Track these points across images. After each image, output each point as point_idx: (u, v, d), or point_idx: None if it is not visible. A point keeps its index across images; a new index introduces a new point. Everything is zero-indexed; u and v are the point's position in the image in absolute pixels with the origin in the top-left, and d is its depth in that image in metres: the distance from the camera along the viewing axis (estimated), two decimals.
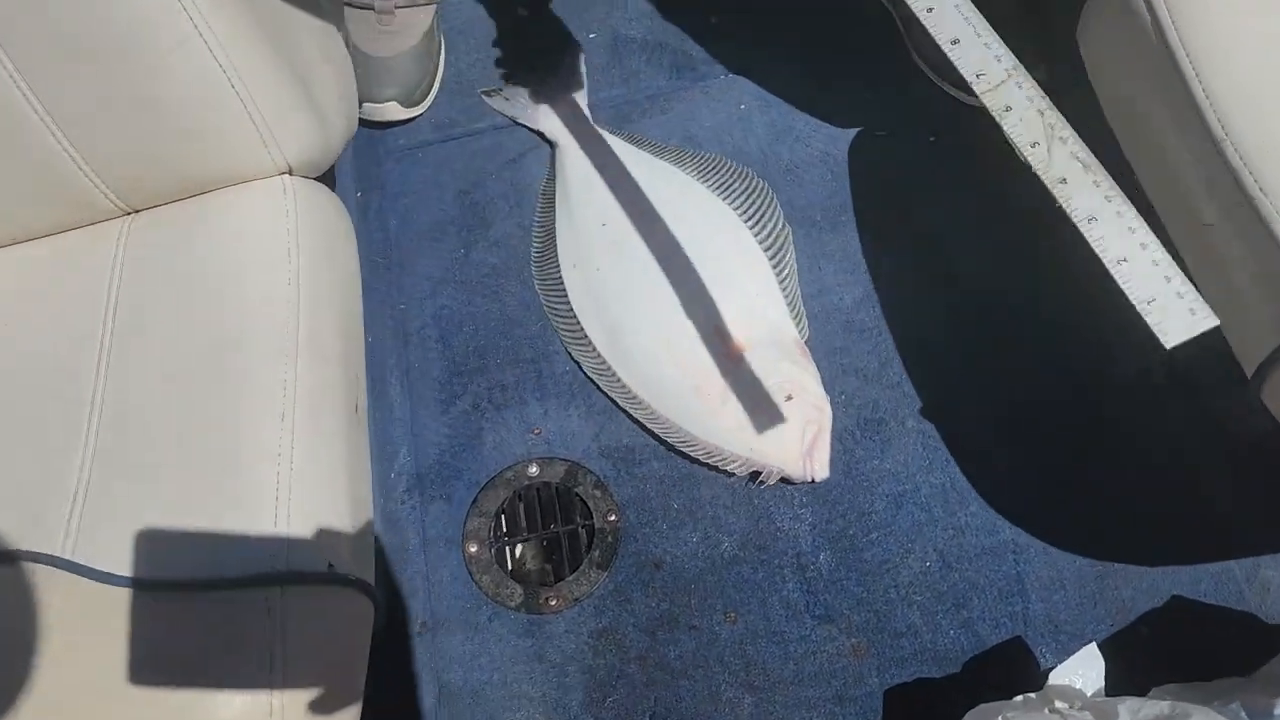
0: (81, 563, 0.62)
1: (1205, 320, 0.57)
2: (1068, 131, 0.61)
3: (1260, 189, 0.65)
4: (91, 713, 0.58)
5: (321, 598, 0.63)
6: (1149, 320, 0.58)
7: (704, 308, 1.00)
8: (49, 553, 0.62)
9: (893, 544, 0.92)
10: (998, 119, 0.62)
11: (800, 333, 0.99)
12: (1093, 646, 0.78)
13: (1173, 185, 0.72)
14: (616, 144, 1.11)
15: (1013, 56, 0.63)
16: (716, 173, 1.08)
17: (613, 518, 0.96)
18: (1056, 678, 0.77)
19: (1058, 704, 0.72)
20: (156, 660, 0.59)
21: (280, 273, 0.71)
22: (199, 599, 0.60)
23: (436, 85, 1.18)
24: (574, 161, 1.11)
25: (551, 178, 1.13)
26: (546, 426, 1.01)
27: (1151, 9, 0.72)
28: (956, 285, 1.01)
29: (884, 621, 0.89)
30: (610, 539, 0.95)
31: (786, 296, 1.01)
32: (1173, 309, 0.57)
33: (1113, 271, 0.59)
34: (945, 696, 0.85)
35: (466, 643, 0.93)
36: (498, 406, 1.02)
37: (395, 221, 1.13)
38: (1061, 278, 1.00)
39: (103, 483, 0.65)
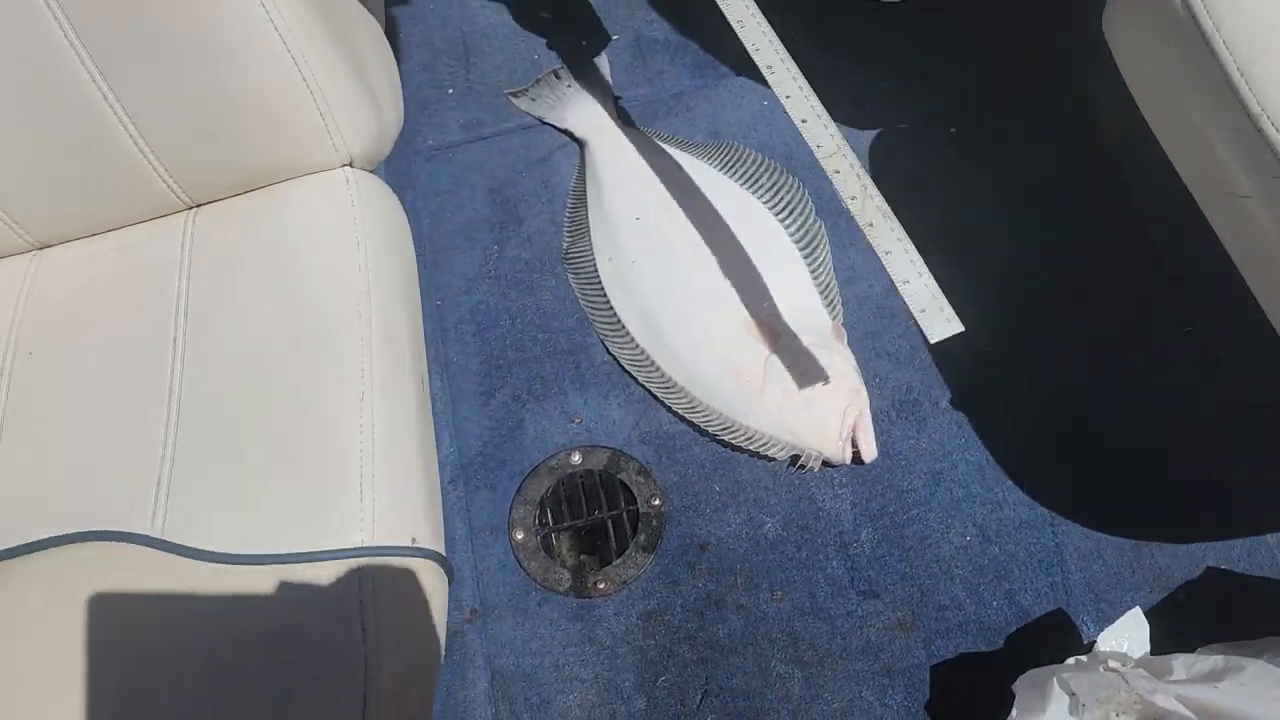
0: (172, 540, 0.63)
1: (955, 325, 0.80)
2: (875, 191, 0.86)
3: None
4: (194, 689, 0.60)
5: (406, 571, 0.65)
6: (920, 323, 0.81)
7: (739, 296, 1.02)
8: (141, 532, 0.64)
9: (933, 520, 0.94)
10: (829, 177, 0.86)
11: (835, 320, 1.02)
12: (1137, 611, 0.81)
13: (1207, 160, 0.75)
14: (645, 140, 1.13)
15: (841, 134, 0.88)
16: (744, 165, 1.11)
17: (656, 502, 0.98)
18: (1104, 642, 0.80)
19: (1111, 663, 0.75)
20: (256, 631, 0.60)
21: (350, 261, 0.73)
22: (294, 572, 0.62)
23: None
24: (604, 158, 1.13)
25: (581, 175, 1.15)
26: (587, 415, 1.03)
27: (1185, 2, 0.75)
28: (984, 269, 1.04)
29: (928, 595, 0.91)
30: (655, 523, 0.97)
31: (820, 286, 1.03)
32: (936, 317, 0.81)
33: (899, 288, 0.83)
34: (992, 666, 0.87)
35: (517, 628, 0.94)
36: (538, 397, 1.04)
37: (428, 220, 1.14)
38: (1087, 259, 1.03)
39: (187, 463, 0.66)
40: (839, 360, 0.98)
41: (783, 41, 0.90)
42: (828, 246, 1.06)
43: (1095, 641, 0.80)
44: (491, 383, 1.06)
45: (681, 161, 1.12)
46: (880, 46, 1.19)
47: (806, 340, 0.99)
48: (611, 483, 1.00)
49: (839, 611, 0.91)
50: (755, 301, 1.02)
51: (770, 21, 0.91)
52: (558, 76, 1.21)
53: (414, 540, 0.66)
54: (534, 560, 0.97)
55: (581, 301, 1.08)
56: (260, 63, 0.69)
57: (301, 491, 0.64)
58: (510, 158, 1.18)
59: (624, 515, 0.98)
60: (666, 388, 1.01)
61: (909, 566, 0.92)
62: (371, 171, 0.84)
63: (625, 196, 1.10)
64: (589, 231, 1.10)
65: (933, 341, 0.79)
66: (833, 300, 1.03)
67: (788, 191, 1.09)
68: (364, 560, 0.63)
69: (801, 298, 1.03)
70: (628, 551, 0.96)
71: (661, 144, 1.14)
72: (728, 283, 1.03)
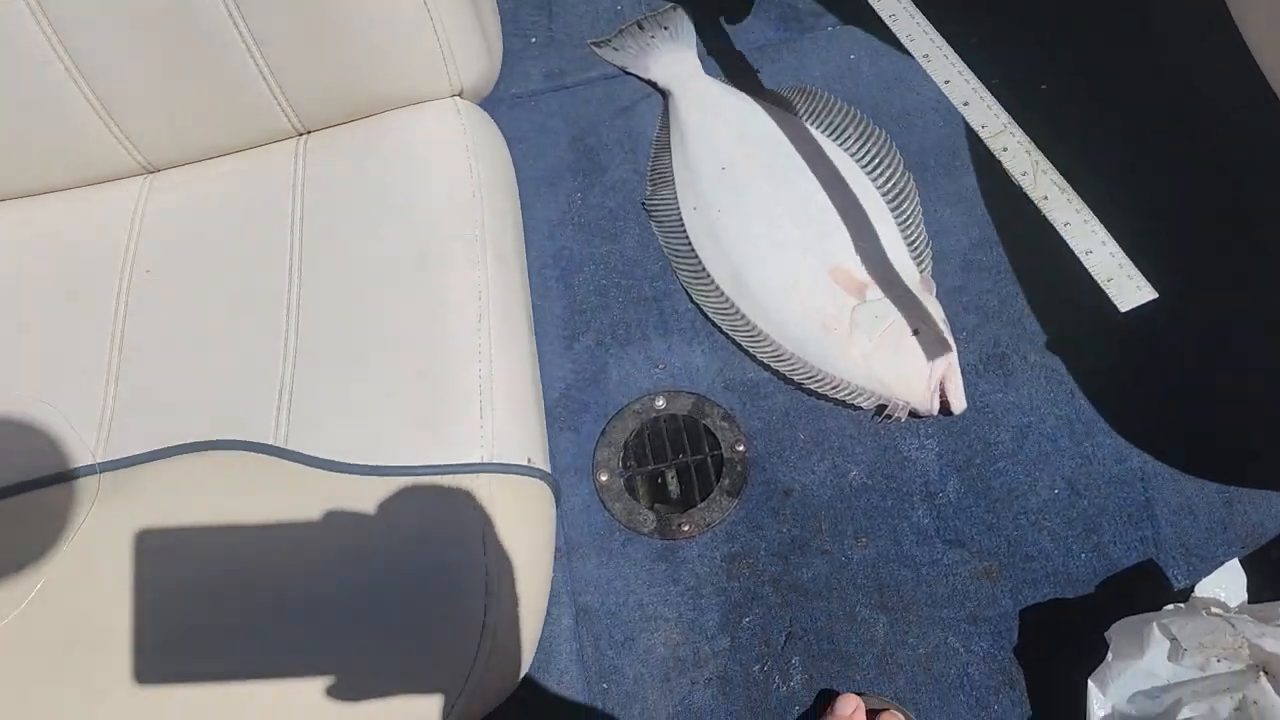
0: (295, 450, 0.65)
1: (1148, 293, 0.79)
2: (1047, 165, 0.87)
3: None
4: (318, 594, 0.61)
5: (520, 489, 0.66)
6: (1109, 293, 0.80)
7: (827, 247, 1.02)
8: (265, 442, 0.65)
9: (1020, 473, 0.94)
10: (998, 156, 0.88)
11: (923, 274, 1.01)
12: (1235, 562, 0.81)
13: None
14: (730, 91, 1.13)
15: (1006, 113, 0.90)
16: (830, 116, 1.10)
17: (741, 448, 0.98)
18: (1201, 592, 0.80)
19: (1214, 609, 0.75)
20: (380, 540, 0.62)
21: (464, 186, 0.74)
22: (416, 484, 0.63)
23: None
24: (688, 109, 1.13)
25: (665, 125, 1.15)
26: (671, 361, 1.03)
27: None
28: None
29: (1014, 546, 0.91)
30: (739, 468, 0.97)
31: (909, 238, 1.03)
32: (1125, 285, 0.80)
33: (1082, 260, 0.83)
34: (1080, 615, 0.87)
35: (601, 567, 0.95)
36: (621, 343, 1.05)
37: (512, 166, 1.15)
38: (1175, 212, 1.02)
39: (308, 376, 0.68)
40: (927, 311, 0.98)
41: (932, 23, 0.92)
42: (917, 199, 1.05)
43: (1192, 590, 0.80)
44: (575, 327, 1.06)
45: (768, 112, 1.11)
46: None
47: (894, 291, 0.99)
48: (695, 428, 1.00)
49: (924, 559, 0.91)
50: (843, 252, 1.01)
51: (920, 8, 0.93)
52: (641, 27, 1.21)
53: (529, 461, 0.67)
54: (618, 502, 0.97)
55: (665, 250, 1.08)
56: None
57: (422, 406, 0.65)
58: (593, 107, 1.18)
59: (708, 460, 0.98)
60: (752, 337, 1.01)
61: (995, 518, 0.92)
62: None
63: (710, 146, 1.10)
64: (673, 181, 1.10)
65: (1123, 310, 0.78)
66: (921, 253, 1.03)
67: (875, 144, 1.08)
68: (483, 477, 0.64)
69: (889, 249, 1.02)
70: (712, 495, 0.97)
71: (747, 95, 1.14)
72: (814, 233, 1.03)
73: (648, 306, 1.06)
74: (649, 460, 0.99)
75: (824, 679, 0.88)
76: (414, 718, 0.60)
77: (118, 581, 0.62)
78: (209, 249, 0.75)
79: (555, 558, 0.94)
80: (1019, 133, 0.89)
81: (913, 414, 0.96)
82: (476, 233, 0.72)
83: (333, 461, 0.63)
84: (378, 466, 0.63)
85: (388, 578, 0.61)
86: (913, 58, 1.12)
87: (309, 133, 0.80)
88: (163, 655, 0.61)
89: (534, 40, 1.23)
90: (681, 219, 1.08)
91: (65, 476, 0.67)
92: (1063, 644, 0.86)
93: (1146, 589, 0.88)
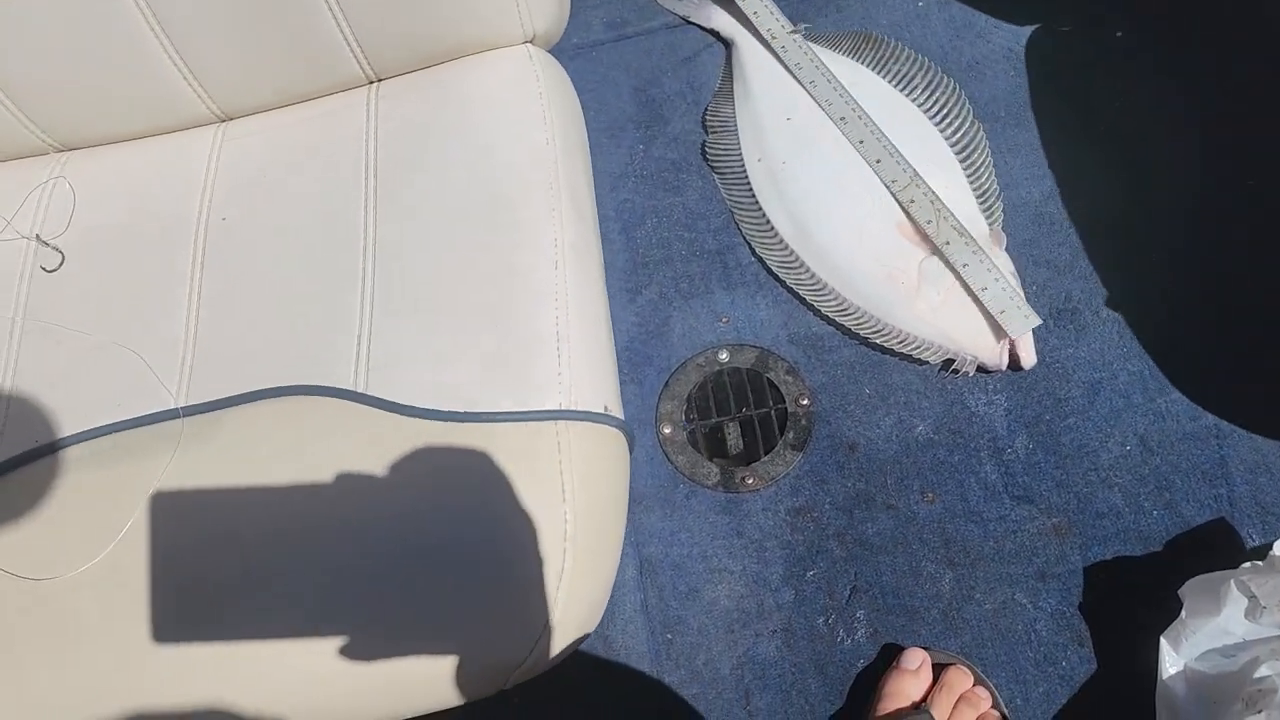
0: (376, 395, 0.65)
1: (1034, 319, 0.93)
2: (949, 213, 0.98)
3: None
4: (399, 536, 0.61)
5: (597, 436, 0.66)
6: (1001, 321, 0.93)
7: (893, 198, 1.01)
8: (345, 387, 0.66)
9: (1090, 429, 0.92)
10: (906, 207, 1.00)
11: (992, 227, 1.00)
12: None
13: None
14: (795, 40, 1.11)
15: (912, 166, 1.01)
16: (898, 65, 1.08)
17: (805, 402, 0.98)
18: None
19: None
20: (460, 485, 0.62)
21: (538, 134, 0.73)
22: (495, 430, 0.63)
23: None
24: (753, 58, 1.11)
25: (729, 75, 1.14)
26: (734, 315, 1.03)
27: None
28: (1147, 178, 1.01)
29: (1084, 503, 0.90)
30: (804, 422, 0.97)
31: (978, 190, 1.01)
32: (1015, 314, 0.93)
33: (978, 295, 0.95)
34: (1151, 573, 0.86)
35: (665, 519, 0.95)
36: (685, 296, 1.04)
37: None
38: (1252, 166, 0.99)
39: (386, 321, 0.68)
40: (997, 265, 0.96)
41: None
42: (987, 150, 1.03)
43: (1269, 549, 0.79)
44: (638, 280, 1.06)
45: (834, 62, 1.09)
46: None
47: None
48: (759, 381, 1.00)
49: (991, 515, 0.91)
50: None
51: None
52: None
53: (606, 408, 0.67)
54: (681, 455, 0.98)
55: (728, 202, 1.07)
56: None
57: (500, 353, 0.65)
58: (655, 57, 1.17)
59: (771, 414, 0.98)
60: (817, 290, 1.00)
61: (1065, 474, 0.91)
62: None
63: (775, 97, 1.09)
64: (736, 132, 1.09)
65: (1014, 336, 0.93)
66: (991, 205, 1.01)
67: (943, 93, 1.06)
68: (562, 424, 0.64)
69: (957, 201, 1.01)
70: (775, 449, 0.96)
71: (813, 44, 1.12)
72: (881, 184, 1.02)
73: (711, 259, 1.06)
74: (712, 413, 0.99)
75: (889, 633, 0.88)
76: (494, 661, 0.61)
77: (200, 527, 0.63)
78: (284, 197, 0.75)
79: None
80: (924, 184, 1.00)
81: (980, 369, 0.95)
82: (551, 180, 0.71)
83: (412, 407, 0.64)
84: (457, 413, 0.63)
85: (467, 522, 0.62)
86: (982, 13, 1.10)
87: (381, 80, 0.80)
88: (247, 598, 0.62)
89: None
90: (745, 170, 1.07)
91: (148, 420, 0.68)
92: (1133, 602, 0.85)
93: (1220, 547, 0.86)
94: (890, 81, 1.08)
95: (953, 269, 0.96)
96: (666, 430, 0.99)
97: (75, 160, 0.81)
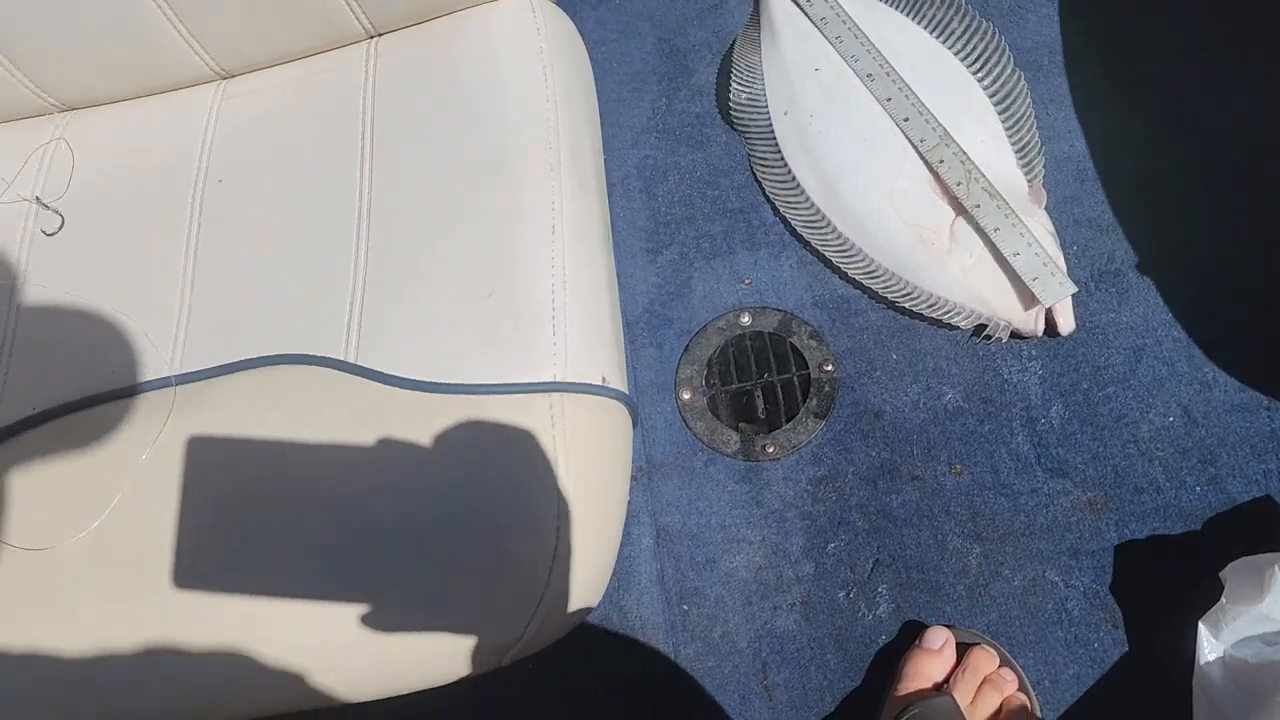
0: (367, 366, 0.63)
1: (1069, 287, 0.88)
2: (980, 174, 0.92)
3: None
4: (388, 509, 0.60)
5: (595, 408, 0.63)
6: (1034, 289, 0.88)
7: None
8: (337, 357, 0.63)
9: (1130, 398, 0.87)
10: (935, 168, 0.94)
11: (1032, 183, 0.94)
12: None
13: None
14: None
15: (944, 128, 0.95)
16: (932, 9, 1.02)
17: (829, 368, 0.94)
18: None
19: None
20: (451, 458, 0.60)
21: (538, 91, 0.70)
22: (488, 403, 0.60)
23: None
24: (781, 6, 1.06)
25: (754, 24, 1.09)
26: (758, 276, 0.99)
27: None
28: (1199, 132, 0.95)
29: (1122, 477, 0.85)
30: (827, 388, 0.93)
31: (1017, 144, 0.95)
32: (1049, 282, 0.88)
33: (1010, 261, 0.89)
34: (1193, 553, 0.81)
35: (683, 487, 0.93)
36: (706, 256, 1.01)
37: (595, 71, 1.07)
38: None
39: (378, 290, 0.65)
40: (1035, 225, 0.91)
41: None
42: (1029, 101, 0.97)
43: None
44: (659, 240, 1.02)
45: (866, 7, 1.04)
46: None
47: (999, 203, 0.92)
48: (782, 346, 0.96)
49: (1023, 488, 0.87)
50: None
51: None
52: None
53: (604, 380, 0.64)
54: (700, 421, 0.95)
55: (750, 158, 1.02)
56: None
57: (493, 323, 0.63)
58: (680, 5, 1.12)
59: (794, 380, 0.94)
60: (844, 251, 0.96)
61: (1102, 446, 0.86)
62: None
63: (804, 47, 1.03)
64: (763, 84, 1.04)
65: (1047, 304, 0.88)
66: (1031, 160, 0.95)
67: (981, 39, 1.00)
68: (556, 396, 0.61)
69: (994, 156, 0.95)
70: (798, 416, 0.93)
71: None
72: (914, 140, 0.96)
73: (734, 218, 1.02)
74: (733, 379, 0.96)
75: (912, 609, 0.85)
76: (486, 639, 0.59)
77: (191, 495, 0.62)
78: (280, 158, 0.73)
79: (635, 477, 0.92)
80: (955, 144, 0.94)
81: (1015, 334, 0.90)
82: (550, 140, 0.68)
83: (403, 378, 0.61)
84: (448, 384, 0.61)
85: (457, 496, 0.59)
86: None
87: (380, 35, 0.77)
88: (235, 571, 0.61)
89: None
90: (770, 124, 1.02)
91: (141, 389, 0.67)
92: (1170, 582, 0.81)
93: (1266, 527, 0.82)
94: (925, 28, 1.02)
95: (983, 233, 0.91)
96: (686, 396, 0.96)
97: (75, 121, 0.80)
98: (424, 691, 0.63)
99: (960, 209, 0.93)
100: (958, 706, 0.75)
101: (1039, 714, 0.79)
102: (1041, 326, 0.89)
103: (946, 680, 0.79)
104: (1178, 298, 0.90)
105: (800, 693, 0.85)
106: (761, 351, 0.96)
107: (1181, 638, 0.75)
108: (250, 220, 0.71)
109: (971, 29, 1.00)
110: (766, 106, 1.03)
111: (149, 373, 0.67)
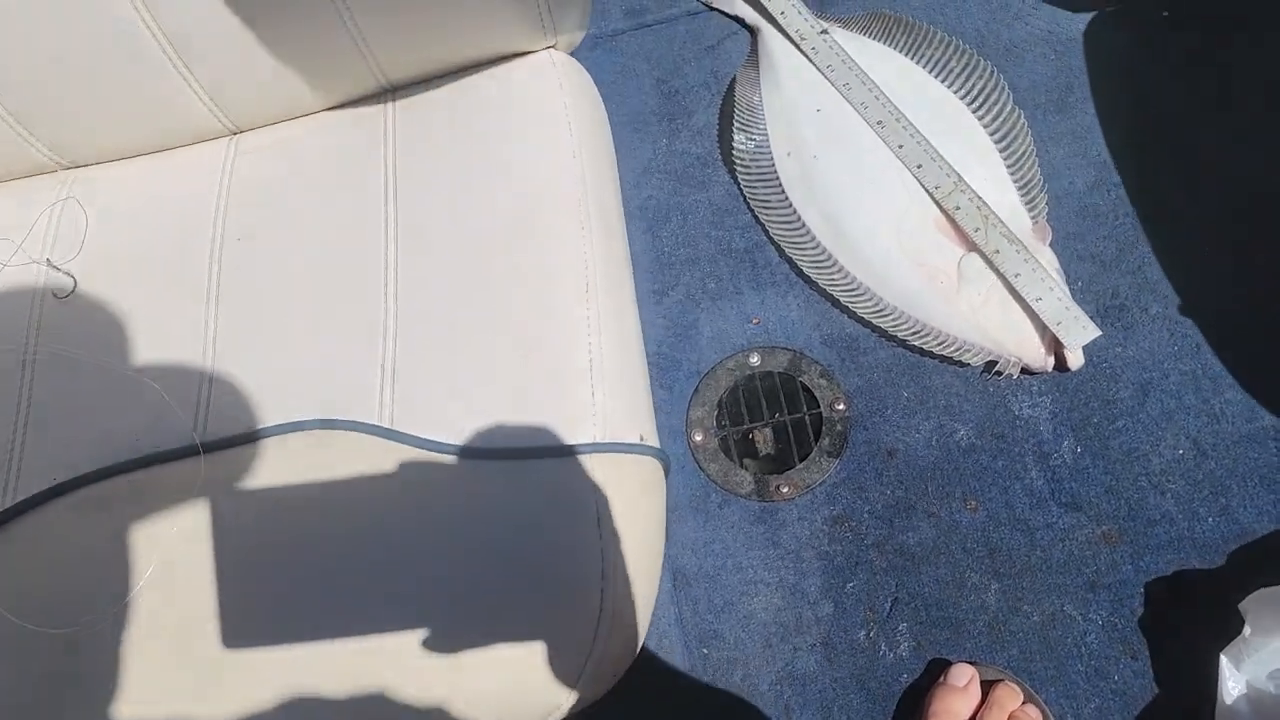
0: (403, 431, 0.62)
1: (1093, 330, 0.89)
2: (996, 219, 0.94)
3: None
4: (435, 576, 0.59)
5: (633, 467, 0.63)
6: (1059, 334, 0.89)
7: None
8: (371, 422, 0.63)
9: (1140, 432, 0.89)
10: (951, 214, 0.95)
11: (1036, 220, 0.96)
12: None
13: None
14: (826, 40, 1.07)
15: (956, 171, 0.96)
16: (932, 50, 1.03)
17: (840, 406, 0.94)
18: None
19: None
20: (493, 524, 0.59)
21: (563, 146, 0.70)
22: (528, 467, 0.60)
23: None
24: (780, 46, 1.07)
25: (752, 65, 1.09)
26: (765, 316, 0.99)
27: None
28: (1197, 165, 0.97)
29: (1136, 510, 0.86)
30: (840, 427, 0.94)
31: (1020, 181, 0.97)
32: (1073, 326, 0.90)
33: (1033, 306, 0.90)
34: (1209, 585, 0.83)
35: (698, 529, 0.93)
36: (713, 297, 1.01)
37: None
38: None
39: (411, 352, 0.65)
40: (1042, 261, 0.92)
41: None
42: (1029, 139, 0.99)
43: None
44: (664, 281, 1.03)
45: (864, 48, 1.05)
46: None
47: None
48: (792, 385, 0.96)
49: (1038, 523, 0.87)
50: None
51: None
52: None
53: (641, 438, 0.64)
54: (714, 462, 0.95)
55: (752, 202, 1.03)
56: None
57: (531, 385, 0.63)
58: (677, 46, 1.13)
59: (806, 419, 0.95)
60: (851, 290, 0.97)
61: (1114, 480, 0.88)
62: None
63: (804, 86, 1.04)
64: (765, 125, 1.05)
65: (1071, 349, 0.89)
66: (1034, 197, 0.96)
67: (981, 78, 1.02)
68: (596, 457, 0.61)
69: (998, 194, 0.97)
70: (811, 456, 0.93)
71: (842, 28, 1.07)
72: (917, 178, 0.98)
73: (739, 258, 1.02)
74: (744, 419, 0.96)
75: (933, 647, 0.85)
76: (535, 703, 0.59)
77: (225, 565, 0.61)
78: (300, 216, 0.72)
79: None
80: (970, 190, 0.95)
81: (1024, 370, 0.92)
82: (579, 197, 0.68)
83: (442, 443, 0.61)
84: (487, 449, 0.61)
85: (500, 564, 0.59)
86: None
87: (398, 89, 0.77)
88: (273, 638, 0.60)
89: None
90: (774, 166, 1.03)
91: (167, 457, 0.66)
92: (1190, 614, 0.82)
93: None
94: (925, 68, 1.03)
95: (1001, 275, 0.92)
96: (698, 438, 0.96)
97: (85, 178, 0.78)
98: None
99: (969, 245, 0.95)
100: None
101: None
102: (1051, 363, 0.91)
103: (973, 718, 0.79)
104: (1182, 331, 0.91)
105: None
106: (772, 391, 0.97)
107: (1203, 670, 0.76)
108: (272, 280, 0.70)
109: (971, 68, 1.02)
110: (769, 148, 1.03)
111: (174, 440, 0.66)
